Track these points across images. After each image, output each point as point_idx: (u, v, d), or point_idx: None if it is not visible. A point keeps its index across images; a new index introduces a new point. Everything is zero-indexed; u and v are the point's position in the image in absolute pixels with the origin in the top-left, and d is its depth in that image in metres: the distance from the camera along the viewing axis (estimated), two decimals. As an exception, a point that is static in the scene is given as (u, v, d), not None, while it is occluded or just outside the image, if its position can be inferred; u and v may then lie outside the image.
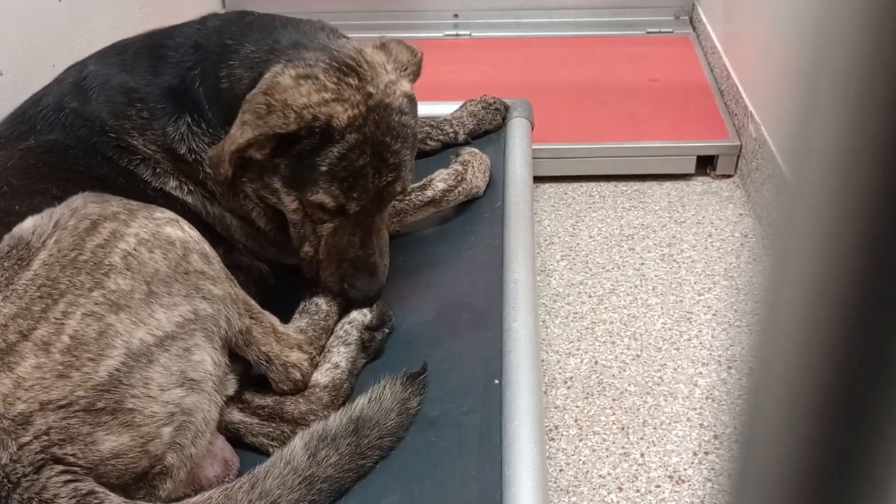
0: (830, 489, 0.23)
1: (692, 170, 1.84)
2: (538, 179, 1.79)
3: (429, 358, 1.13)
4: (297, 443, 0.94)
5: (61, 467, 0.81)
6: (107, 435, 0.82)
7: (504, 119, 1.68)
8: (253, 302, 1.02)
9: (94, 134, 1.10)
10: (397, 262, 1.32)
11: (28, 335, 0.82)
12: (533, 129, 1.71)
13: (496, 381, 1.09)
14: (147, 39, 1.17)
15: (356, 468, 0.96)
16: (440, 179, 1.39)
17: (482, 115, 1.65)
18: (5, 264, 0.87)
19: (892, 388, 0.21)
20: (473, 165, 1.44)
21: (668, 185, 1.83)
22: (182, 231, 0.93)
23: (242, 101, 1.04)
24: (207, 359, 0.91)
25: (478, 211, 1.43)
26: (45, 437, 0.80)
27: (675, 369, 1.37)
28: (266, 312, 1.04)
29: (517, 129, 1.65)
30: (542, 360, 1.38)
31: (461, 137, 1.60)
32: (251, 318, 1.00)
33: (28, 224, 0.91)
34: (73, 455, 0.81)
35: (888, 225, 0.19)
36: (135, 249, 0.88)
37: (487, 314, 1.21)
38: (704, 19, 2.19)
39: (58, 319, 0.83)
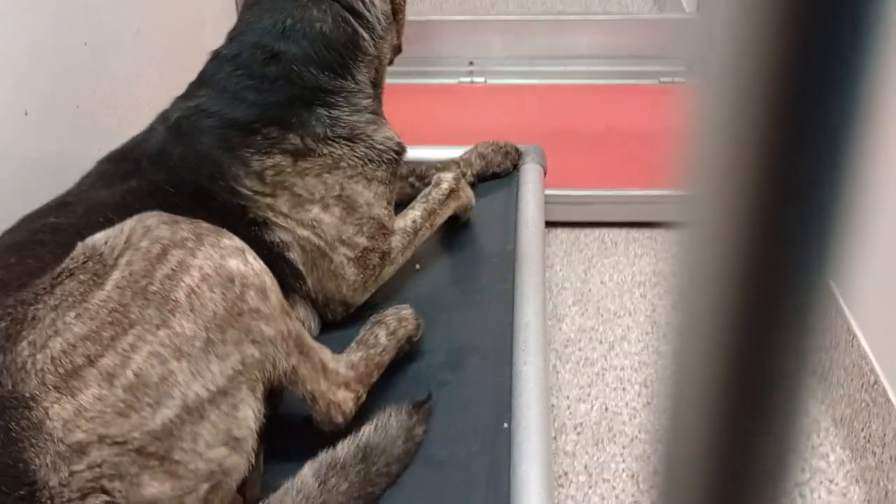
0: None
1: (704, 217, 1.84)
2: (550, 224, 1.80)
3: (438, 400, 1.13)
4: (307, 471, 0.94)
5: (106, 498, 0.81)
6: (152, 479, 0.83)
7: (515, 165, 1.70)
8: (306, 335, 1.02)
9: (201, 177, 1.14)
10: (407, 304, 1.32)
11: (94, 362, 0.82)
12: (545, 174, 1.73)
13: (505, 425, 1.09)
14: (215, 81, 1.21)
15: (366, 496, 0.97)
16: (444, 172, 1.45)
17: (491, 157, 1.66)
18: (81, 277, 0.87)
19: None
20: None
21: (676, 232, 1.84)
22: (245, 264, 0.93)
23: (340, 22, 1.22)
24: (250, 414, 0.91)
25: (489, 254, 1.44)
26: (98, 469, 0.80)
27: (686, 417, 1.36)
28: (316, 347, 1.03)
29: (530, 175, 1.67)
30: (552, 406, 1.38)
31: (468, 178, 1.62)
32: (301, 353, 0.99)
33: (100, 236, 0.92)
34: (119, 491, 0.81)
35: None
36: (198, 286, 0.89)
37: (497, 357, 1.21)
38: (717, 70, 2.21)
39: (125, 351, 0.83)
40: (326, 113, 1.20)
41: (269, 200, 1.16)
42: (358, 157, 1.23)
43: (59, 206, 1.10)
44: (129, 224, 0.92)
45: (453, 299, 1.35)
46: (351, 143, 1.22)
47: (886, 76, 0.20)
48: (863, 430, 1.23)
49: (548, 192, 1.70)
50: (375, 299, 1.32)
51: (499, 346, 1.23)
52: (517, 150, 1.71)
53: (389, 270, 1.32)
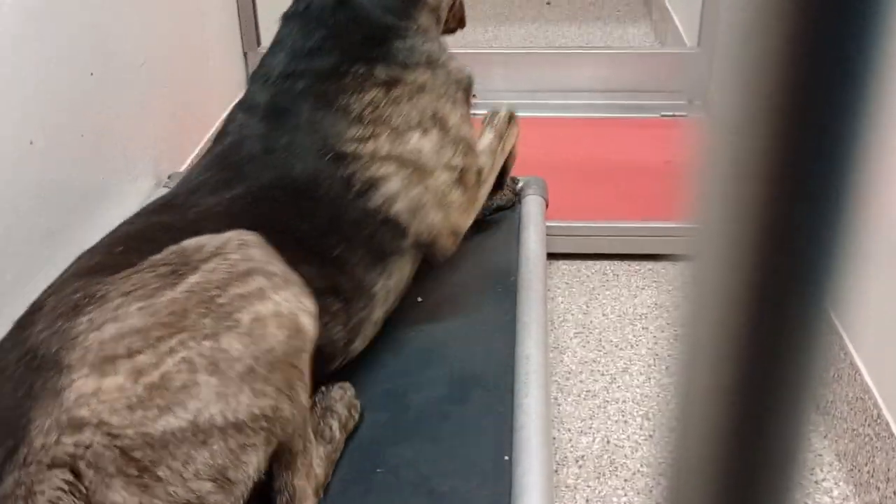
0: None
1: (706, 250, 1.85)
2: (552, 256, 1.80)
3: (438, 432, 1.13)
4: None
5: (72, 477, 0.79)
6: (122, 487, 0.80)
7: (516, 196, 1.71)
8: (310, 429, 0.99)
9: (309, 162, 1.15)
10: (408, 336, 1.32)
11: (132, 356, 0.82)
12: (547, 206, 1.73)
13: (506, 458, 1.08)
14: (290, 41, 1.24)
15: None
16: (490, 116, 1.54)
17: None
18: (160, 271, 0.88)
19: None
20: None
21: (682, 265, 1.84)
22: (312, 328, 0.94)
23: None
24: (254, 463, 0.87)
25: (490, 285, 1.44)
26: (82, 450, 0.79)
27: (688, 451, 1.35)
28: (314, 442, 0.99)
29: (532, 206, 1.68)
30: (554, 438, 1.37)
31: None
32: (304, 444, 0.95)
33: (195, 238, 0.93)
34: (89, 479, 0.79)
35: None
36: (266, 318, 0.88)
37: (499, 389, 1.20)
38: (718, 103, 2.23)
39: (163, 354, 0.83)
40: (402, 44, 1.25)
41: (371, 147, 1.18)
42: (440, 82, 1.28)
43: (168, 207, 1.10)
44: (227, 234, 0.93)
45: (455, 331, 1.34)
46: (431, 69, 1.27)
47: (890, 111, 0.20)
48: (866, 464, 1.22)
49: (549, 223, 1.71)
50: (376, 333, 1.31)
51: (500, 378, 1.22)
52: (513, 179, 1.72)
53: (483, 191, 1.37)
